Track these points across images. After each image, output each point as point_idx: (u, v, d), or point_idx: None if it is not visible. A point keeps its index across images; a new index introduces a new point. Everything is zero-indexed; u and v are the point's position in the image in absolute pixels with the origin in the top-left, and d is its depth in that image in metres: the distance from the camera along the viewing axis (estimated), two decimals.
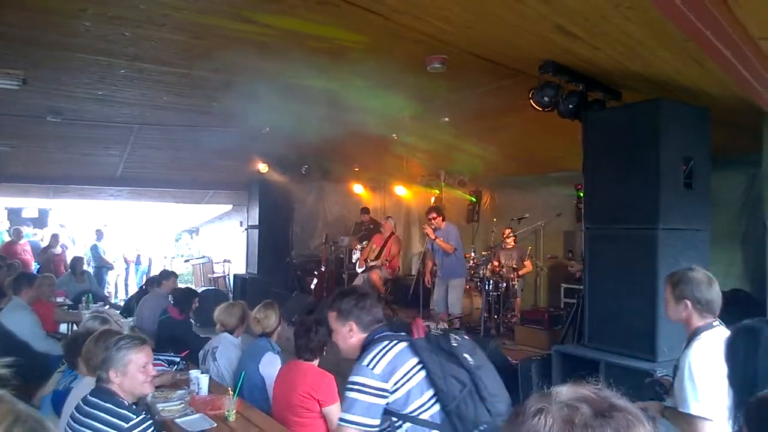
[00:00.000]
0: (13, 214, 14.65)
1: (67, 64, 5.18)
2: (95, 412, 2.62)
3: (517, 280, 8.39)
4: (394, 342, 2.44)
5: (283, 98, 6.25)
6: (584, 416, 0.90)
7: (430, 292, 9.14)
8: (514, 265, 8.37)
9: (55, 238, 12.19)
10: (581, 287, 5.59)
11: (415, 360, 2.38)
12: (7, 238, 12.48)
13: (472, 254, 8.66)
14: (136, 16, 4.09)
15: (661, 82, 4.43)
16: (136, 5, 3.92)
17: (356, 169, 11.26)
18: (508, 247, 8.57)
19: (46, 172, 10.20)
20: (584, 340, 4.81)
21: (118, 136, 8.29)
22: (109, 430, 2.58)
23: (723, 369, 1.99)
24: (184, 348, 4.83)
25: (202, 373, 4.06)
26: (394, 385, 2.32)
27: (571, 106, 4.85)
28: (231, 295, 11.69)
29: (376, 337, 2.49)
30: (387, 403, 2.33)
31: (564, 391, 0.96)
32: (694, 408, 2.44)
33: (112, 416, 2.61)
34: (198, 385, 3.86)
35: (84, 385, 3.06)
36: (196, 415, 3.47)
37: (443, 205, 9.92)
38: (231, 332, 4.51)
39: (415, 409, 2.33)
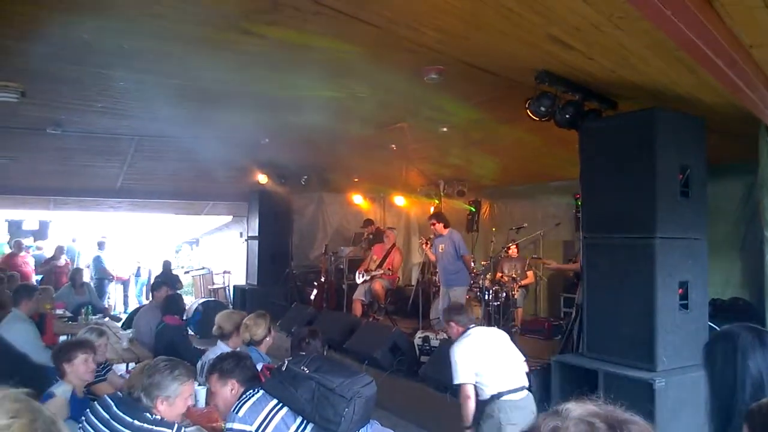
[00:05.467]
0: (14, 227, 14.63)
1: (66, 77, 5.21)
2: None
3: (518, 290, 8.36)
4: (255, 390, 2.72)
5: (280, 109, 6.29)
6: (601, 431, 0.92)
7: (430, 302, 9.13)
8: (515, 275, 8.35)
9: (59, 249, 12.20)
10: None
11: (275, 401, 2.63)
12: (7, 251, 12.50)
13: (472, 264, 8.65)
14: (134, 28, 4.12)
15: (657, 91, 4.45)
16: (134, 18, 3.95)
17: (356, 180, 11.28)
18: (513, 256, 8.56)
19: (45, 184, 10.22)
20: (583, 349, 4.79)
21: (118, 147, 8.33)
22: None
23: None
24: (181, 355, 4.83)
25: (199, 385, 4.03)
26: (259, 427, 2.58)
27: (567, 116, 4.86)
28: (231, 306, 11.67)
29: (249, 390, 2.78)
30: None
31: (574, 408, 0.98)
32: (456, 380, 3.95)
33: None
34: (195, 397, 3.83)
35: None
36: (193, 428, 3.44)
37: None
38: (227, 339, 4.51)
39: None
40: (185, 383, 2.78)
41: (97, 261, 12.70)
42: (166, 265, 12.11)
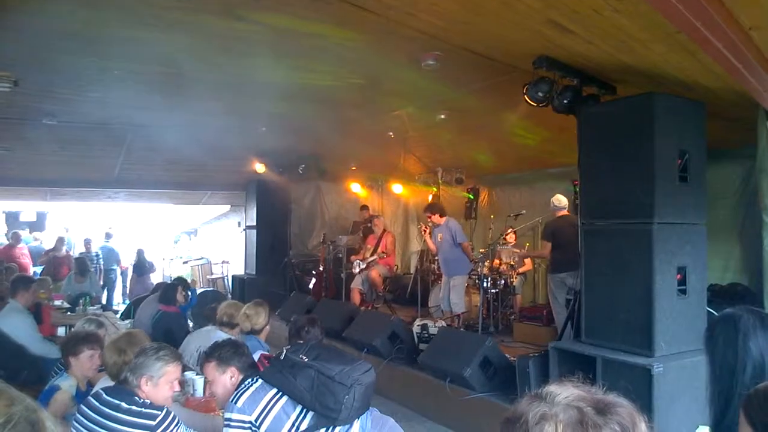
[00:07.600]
0: (11, 218, 14.63)
1: (59, 66, 5.16)
2: (118, 414, 2.60)
3: (517, 277, 8.36)
4: (254, 379, 2.68)
5: (277, 97, 6.24)
6: (590, 415, 0.91)
7: (429, 290, 9.13)
8: (513, 263, 8.35)
9: (60, 241, 12.17)
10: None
11: (274, 391, 2.63)
12: (5, 242, 12.48)
13: (471, 251, 8.64)
14: (126, 16, 4.07)
15: (656, 75, 4.41)
16: (126, 6, 3.90)
17: (353, 168, 11.24)
18: (511, 243, 8.55)
19: (42, 175, 10.16)
20: (581, 336, 4.79)
21: (114, 137, 8.27)
22: (136, 431, 2.57)
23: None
24: (178, 343, 4.83)
25: (197, 374, 4.03)
26: (258, 416, 2.55)
27: (565, 101, 4.82)
28: (230, 296, 11.67)
29: (247, 379, 2.73)
30: None
31: (558, 392, 0.96)
32: None
33: (137, 417, 2.60)
34: (193, 386, 3.83)
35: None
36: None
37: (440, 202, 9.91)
38: (229, 328, 4.52)
39: (290, 429, 2.55)
40: (170, 363, 2.80)
41: (110, 251, 12.72)
42: (140, 253, 12.70)
